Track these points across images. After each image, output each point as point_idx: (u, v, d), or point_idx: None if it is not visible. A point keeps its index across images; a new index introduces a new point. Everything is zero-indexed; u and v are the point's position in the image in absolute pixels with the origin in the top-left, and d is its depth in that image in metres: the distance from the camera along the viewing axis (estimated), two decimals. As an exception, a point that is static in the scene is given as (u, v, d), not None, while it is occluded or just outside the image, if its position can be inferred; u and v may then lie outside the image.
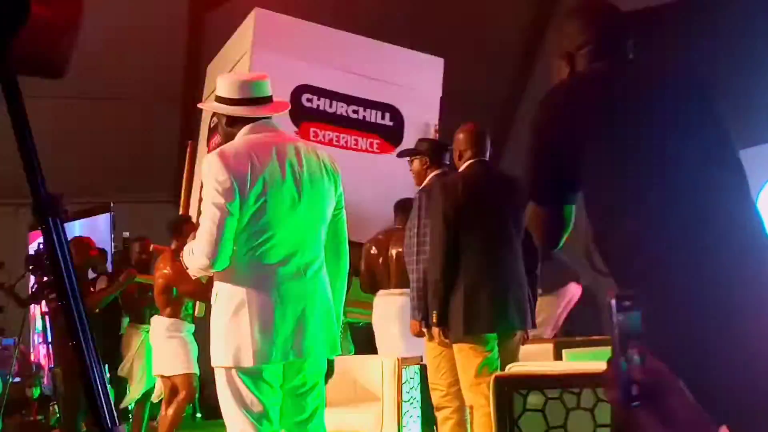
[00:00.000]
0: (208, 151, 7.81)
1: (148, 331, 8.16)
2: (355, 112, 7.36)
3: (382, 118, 7.44)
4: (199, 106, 4.69)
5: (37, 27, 1.48)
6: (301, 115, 7.15)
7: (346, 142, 7.23)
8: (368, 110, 7.42)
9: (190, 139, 8.70)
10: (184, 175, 8.38)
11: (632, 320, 1.30)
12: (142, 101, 11.01)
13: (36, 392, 10.47)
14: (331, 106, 7.38)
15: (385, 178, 7.20)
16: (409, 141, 7.31)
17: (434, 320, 5.32)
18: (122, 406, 8.48)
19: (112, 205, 11.39)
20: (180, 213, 8.71)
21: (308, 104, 7.29)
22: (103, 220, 11.74)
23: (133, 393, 8.39)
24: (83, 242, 8.84)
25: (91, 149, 11.19)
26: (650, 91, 2.55)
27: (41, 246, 10.04)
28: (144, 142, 10.53)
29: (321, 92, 7.32)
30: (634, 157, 2.46)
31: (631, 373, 1.28)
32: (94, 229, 11.92)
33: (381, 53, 7.62)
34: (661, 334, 2.21)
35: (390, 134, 7.39)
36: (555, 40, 2.79)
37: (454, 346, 5.32)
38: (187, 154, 8.82)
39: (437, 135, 7.50)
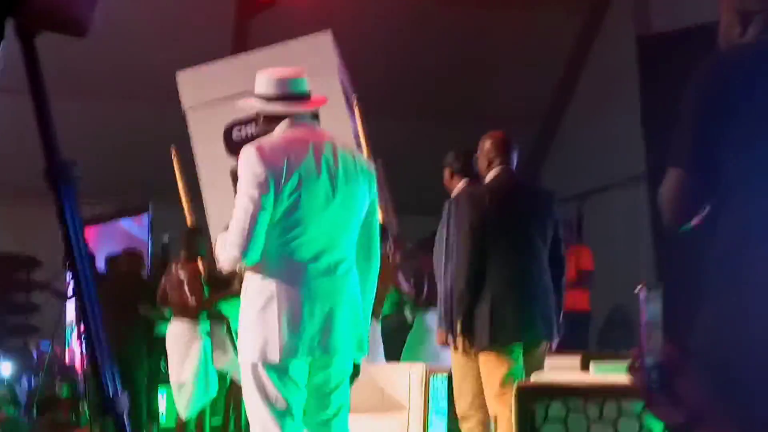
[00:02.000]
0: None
1: (207, 333, 7.92)
2: None
3: None
4: (240, 103, 4.54)
5: None
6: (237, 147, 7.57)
7: None
8: None
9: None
10: (179, 183, 8.41)
11: (655, 309, 1.32)
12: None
13: (65, 392, 10.50)
14: (255, 127, 7.76)
15: None
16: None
17: (459, 329, 5.29)
18: (187, 416, 7.88)
19: (150, 206, 11.48)
20: (188, 223, 8.69)
21: (237, 136, 7.91)
22: (140, 221, 11.84)
23: (197, 401, 7.89)
24: (136, 254, 9.00)
25: (129, 150, 11.28)
26: None
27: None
28: (180, 144, 10.61)
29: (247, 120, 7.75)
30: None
31: (653, 359, 1.31)
32: (130, 230, 12.03)
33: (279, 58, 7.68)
34: (729, 324, 2.08)
35: None
36: None
37: (480, 355, 5.29)
38: (174, 161, 8.94)
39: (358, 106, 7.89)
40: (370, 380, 6.54)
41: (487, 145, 5.55)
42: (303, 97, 4.02)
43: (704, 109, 2.43)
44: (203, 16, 10.89)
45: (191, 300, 7.76)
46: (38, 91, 1.61)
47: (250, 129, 8.01)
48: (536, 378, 4.33)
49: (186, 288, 7.83)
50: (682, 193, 2.43)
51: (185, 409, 7.82)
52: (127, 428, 1.57)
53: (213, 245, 7.71)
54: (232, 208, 7.52)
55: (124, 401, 1.61)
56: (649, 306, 1.35)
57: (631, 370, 1.34)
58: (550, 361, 5.42)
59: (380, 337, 8.13)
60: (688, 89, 2.47)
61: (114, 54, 10.68)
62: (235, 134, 8.17)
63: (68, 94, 11.22)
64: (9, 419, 7.84)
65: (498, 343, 5.18)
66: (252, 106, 4.08)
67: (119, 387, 1.61)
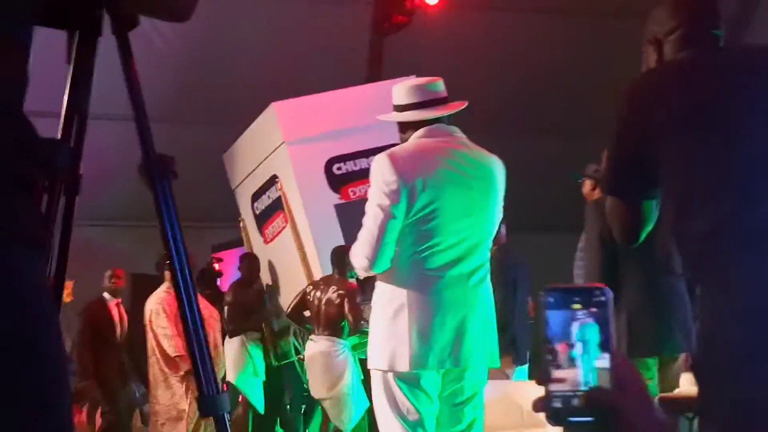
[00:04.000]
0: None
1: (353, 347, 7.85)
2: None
3: None
4: (379, 118, 4.44)
5: None
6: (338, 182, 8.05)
7: None
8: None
9: None
10: (288, 209, 8.74)
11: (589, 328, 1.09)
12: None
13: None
14: (355, 165, 8.20)
15: None
16: None
17: None
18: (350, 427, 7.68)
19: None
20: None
21: (338, 172, 8.28)
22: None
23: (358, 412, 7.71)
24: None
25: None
26: (739, 81, 2.40)
27: (212, 261, 10.39)
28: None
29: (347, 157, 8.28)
30: (714, 153, 2.34)
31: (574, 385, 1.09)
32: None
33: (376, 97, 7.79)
34: (733, 332, 2.17)
35: None
36: (645, 26, 2.69)
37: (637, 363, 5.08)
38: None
39: None
40: (508, 398, 6.42)
41: None
42: (437, 102, 3.92)
43: (625, 137, 2.51)
44: (338, 38, 10.98)
45: (350, 317, 7.70)
46: (133, 86, 1.59)
47: (350, 166, 8.36)
48: (680, 390, 4.13)
49: (347, 305, 7.71)
50: (620, 217, 2.56)
51: (349, 421, 7.69)
52: (228, 428, 1.52)
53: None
54: (337, 240, 7.88)
55: (224, 401, 1.56)
56: (552, 314, 1.11)
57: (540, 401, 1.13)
58: (690, 375, 5.19)
59: None
60: (615, 119, 2.54)
61: (250, 80, 10.87)
62: (335, 170, 8.40)
63: (209, 122, 11.50)
64: None
65: (636, 356, 4.98)
66: (388, 116, 4.01)
67: (219, 387, 1.57)
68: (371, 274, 3.83)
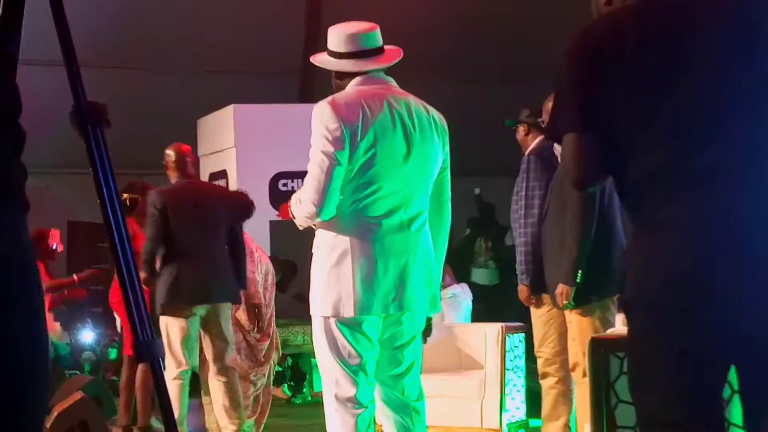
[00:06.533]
0: None
1: None
2: None
3: None
4: (312, 59, 4.41)
5: None
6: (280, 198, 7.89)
7: None
8: None
9: None
10: None
11: None
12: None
13: (113, 354, 10.40)
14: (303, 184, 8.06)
15: None
16: None
17: (578, 280, 5.13)
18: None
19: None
20: None
21: (284, 188, 8.40)
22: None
23: None
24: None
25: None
26: (694, 21, 2.40)
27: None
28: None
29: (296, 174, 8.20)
30: (662, 98, 2.36)
31: None
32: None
33: None
34: (666, 267, 2.27)
35: None
36: None
37: (599, 304, 5.17)
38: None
39: None
40: (447, 340, 6.53)
41: (551, 104, 5.44)
42: (375, 53, 3.92)
43: (582, 75, 2.47)
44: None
45: None
46: (63, 31, 1.57)
47: (297, 184, 8.34)
48: (612, 331, 4.22)
49: None
50: (581, 152, 2.48)
51: None
52: (162, 373, 1.54)
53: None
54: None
55: (159, 346, 1.57)
56: None
57: None
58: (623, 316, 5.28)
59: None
60: (564, 62, 2.53)
61: (185, 25, 10.73)
62: (281, 185, 8.37)
63: (145, 68, 11.34)
64: (91, 382, 7.95)
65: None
66: (322, 61, 4.00)
67: (153, 333, 1.58)
68: (317, 221, 3.84)
